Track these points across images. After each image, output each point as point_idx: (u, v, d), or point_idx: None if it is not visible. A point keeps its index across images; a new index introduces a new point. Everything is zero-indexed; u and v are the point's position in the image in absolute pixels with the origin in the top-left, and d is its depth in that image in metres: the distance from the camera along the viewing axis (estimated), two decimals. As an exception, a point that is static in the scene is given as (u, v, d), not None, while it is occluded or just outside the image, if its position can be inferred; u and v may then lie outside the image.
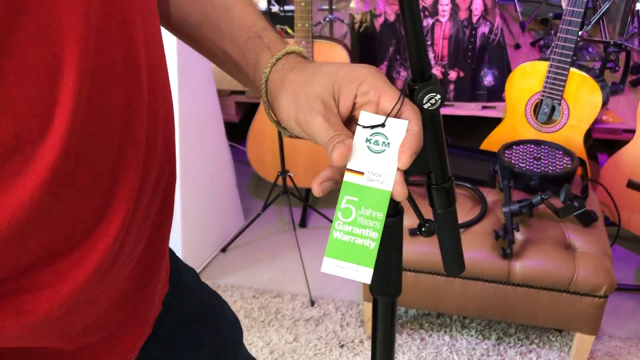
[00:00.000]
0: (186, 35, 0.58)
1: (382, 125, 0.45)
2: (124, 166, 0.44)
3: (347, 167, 0.45)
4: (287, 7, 2.12)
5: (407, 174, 0.51)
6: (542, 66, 1.87)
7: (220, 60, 0.57)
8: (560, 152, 1.75)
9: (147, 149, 0.46)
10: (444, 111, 2.29)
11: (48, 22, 0.35)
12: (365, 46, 2.23)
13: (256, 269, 2.04)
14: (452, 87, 2.23)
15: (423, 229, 0.51)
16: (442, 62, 2.19)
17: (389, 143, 0.45)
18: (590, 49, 2.70)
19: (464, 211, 1.62)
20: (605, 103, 1.88)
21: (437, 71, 2.21)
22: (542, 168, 1.68)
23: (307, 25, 1.89)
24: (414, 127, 0.46)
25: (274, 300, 1.91)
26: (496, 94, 2.20)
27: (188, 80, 1.81)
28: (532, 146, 1.78)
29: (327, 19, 2.66)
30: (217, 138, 2.06)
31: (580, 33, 2.47)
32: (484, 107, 2.23)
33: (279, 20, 2.23)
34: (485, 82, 2.21)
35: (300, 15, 1.87)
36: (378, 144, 0.45)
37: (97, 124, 0.40)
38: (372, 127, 0.45)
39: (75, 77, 0.37)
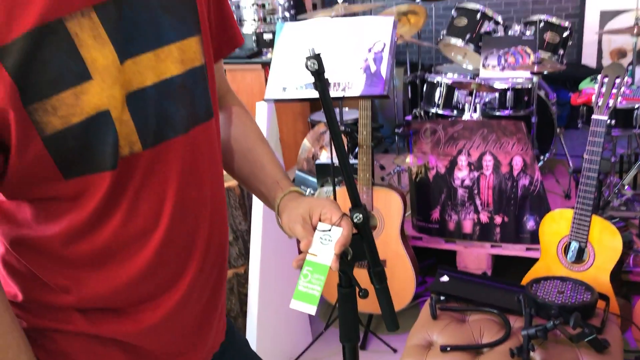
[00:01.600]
0: (239, 179, 1.03)
1: (329, 230, 0.85)
2: (195, 246, 0.86)
3: (309, 251, 0.84)
4: (353, 161, 2.60)
5: (353, 260, 0.89)
6: (569, 213, 2.16)
7: (255, 192, 1.01)
8: (583, 288, 1.98)
9: (208, 238, 0.88)
10: (494, 251, 2.58)
11: (162, 176, 0.80)
12: (421, 193, 2.64)
13: (317, 381, 2.33)
14: (497, 230, 2.54)
15: (360, 294, 0.88)
16: (488, 208, 2.54)
17: (331, 240, 0.84)
18: (641, 201, 2.92)
19: (491, 333, 1.87)
20: (630, 248, 2.11)
21: (484, 216, 2.55)
22: (563, 300, 1.92)
23: (367, 175, 2.35)
24: (344, 232, 0.85)
25: (329, 409, 2.17)
26: (538, 237, 2.47)
27: (271, 212, 2.28)
28: (558, 282, 2.03)
29: (395, 170, 3.13)
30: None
31: (626, 187, 2.75)
32: (527, 249, 2.51)
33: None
34: (528, 227, 2.51)
35: (362, 168, 2.34)
36: (325, 240, 0.84)
37: (181, 223, 0.83)
38: (323, 231, 0.85)
39: (172, 202, 0.81)
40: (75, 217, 0.74)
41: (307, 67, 0.81)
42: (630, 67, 3.76)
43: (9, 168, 0.70)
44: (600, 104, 2.09)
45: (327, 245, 0.84)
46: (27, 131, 0.68)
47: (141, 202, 0.78)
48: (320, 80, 0.82)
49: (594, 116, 2.09)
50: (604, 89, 2.10)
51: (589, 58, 4.39)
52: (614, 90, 2.07)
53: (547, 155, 3.22)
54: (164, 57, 0.77)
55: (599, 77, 2.13)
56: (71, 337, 0.81)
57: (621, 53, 4.23)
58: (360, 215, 0.85)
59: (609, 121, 2.78)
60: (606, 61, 4.36)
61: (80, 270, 0.78)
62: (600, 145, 2.07)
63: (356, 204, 0.86)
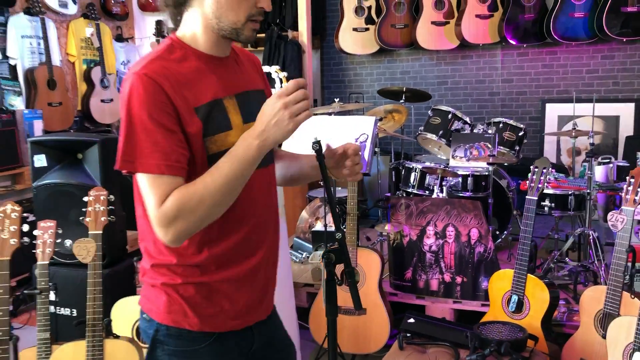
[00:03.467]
0: (290, 181, 1.62)
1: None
2: (268, 230, 1.47)
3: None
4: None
5: (335, 263, 1.47)
6: (511, 273, 2.73)
7: (304, 177, 1.61)
8: (517, 329, 2.52)
9: (274, 227, 1.50)
10: (455, 306, 3.12)
11: (256, 187, 1.40)
12: (397, 256, 3.22)
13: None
14: (458, 288, 3.11)
15: (338, 282, 1.45)
16: (451, 270, 3.11)
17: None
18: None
19: (444, 361, 2.40)
20: (555, 303, 2.67)
21: (447, 276, 3.12)
22: (501, 337, 2.46)
23: (353, 237, 2.94)
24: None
25: None
26: (491, 295, 3.02)
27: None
28: (499, 325, 2.57)
29: (378, 240, 3.73)
30: (290, 318, 2.98)
31: (567, 259, 3.33)
32: (482, 305, 3.05)
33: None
34: (483, 287, 3.07)
35: (349, 232, 2.94)
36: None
37: (263, 214, 1.44)
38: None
39: (259, 202, 1.42)
40: None
41: (312, 148, 1.43)
42: (584, 163, 4.42)
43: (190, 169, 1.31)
44: (532, 187, 2.73)
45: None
46: (202, 150, 1.31)
47: (245, 199, 1.37)
48: (320, 156, 1.44)
49: (527, 197, 2.72)
50: (535, 177, 2.74)
51: (549, 154, 5.10)
52: (542, 178, 2.72)
53: (505, 232, 3.82)
54: None
55: (531, 167, 2.78)
56: (193, 286, 1.37)
57: (576, 151, 4.95)
58: (340, 234, 1.44)
59: (551, 204, 3.43)
60: (564, 157, 5.07)
61: (211, 240, 1.37)
62: (532, 219, 2.69)
63: (338, 228, 1.46)
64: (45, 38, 4.42)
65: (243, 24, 1.35)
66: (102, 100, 4.97)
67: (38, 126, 4.28)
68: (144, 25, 5.49)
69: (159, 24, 5.27)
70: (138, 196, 1.35)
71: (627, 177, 2.49)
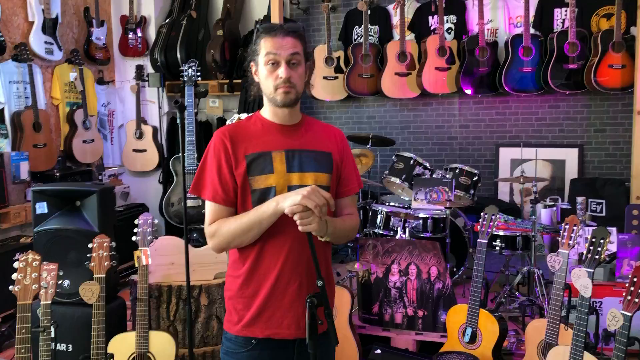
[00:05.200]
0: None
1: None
2: (301, 264, 1.83)
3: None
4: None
5: (317, 306, 1.78)
6: (465, 307, 3.08)
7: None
8: (471, 358, 2.86)
9: (310, 265, 1.80)
10: (418, 338, 3.45)
11: (288, 220, 1.71)
12: (365, 291, 3.54)
13: None
14: (420, 321, 3.44)
15: (320, 322, 1.76)
16: (413, 304, 3.45)
17: None
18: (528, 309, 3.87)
19: (407, 387, 2.71)
20: (504, 334, 3.02)
21: (410, 310, 3.45)
22: (457, 365, 2.79)
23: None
24: None
25: None
26: (449, 327, 3.36)
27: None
28: (455, 354, 2.91)
29: (347, 276, 4.05)
30: None
31: (517, 294, 3.70)
32: (441, 336, 3.39)
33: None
34: (442, 319, 3.41)
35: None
36: None
37: (300, 241, 1.79)
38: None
39: (292, 225, 1.72)
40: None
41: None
42: (536, 206, 4.83)
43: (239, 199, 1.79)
44: (482, 231, 3.10)
45: None
46: (246, 186, 1.77)
47: (275, 235, 1.76)
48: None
49: (478, 240, 3.09)
50: (485, 222, 3.12)
51: (503, 195, 5.54)
52: (491, 223, 3.10)
53: (462, 268, 4.19)
54: (305, 177, 1.80)
55: (482, 214, 3.16)
56: (239, 299, 1.82)
57: (527, 191, 5.40)
58: (321, 282, 1.76)
59: (501, 244, 3.82)
60: (516, 198, 5.51)
61: (254, 256, 1.78)
62: (483, 259, 3.06)
63: (319, 276, 1.78)
64: (32, 83, 4.65)
65: (274, 92, 1.81)
66: (84, 141, 5.20)
67: (24, 167, 4.48)
68: (125, 69, 5.76)
69: (139, 68, 5.58)
70: None
71: (563, 224, 2.89)
